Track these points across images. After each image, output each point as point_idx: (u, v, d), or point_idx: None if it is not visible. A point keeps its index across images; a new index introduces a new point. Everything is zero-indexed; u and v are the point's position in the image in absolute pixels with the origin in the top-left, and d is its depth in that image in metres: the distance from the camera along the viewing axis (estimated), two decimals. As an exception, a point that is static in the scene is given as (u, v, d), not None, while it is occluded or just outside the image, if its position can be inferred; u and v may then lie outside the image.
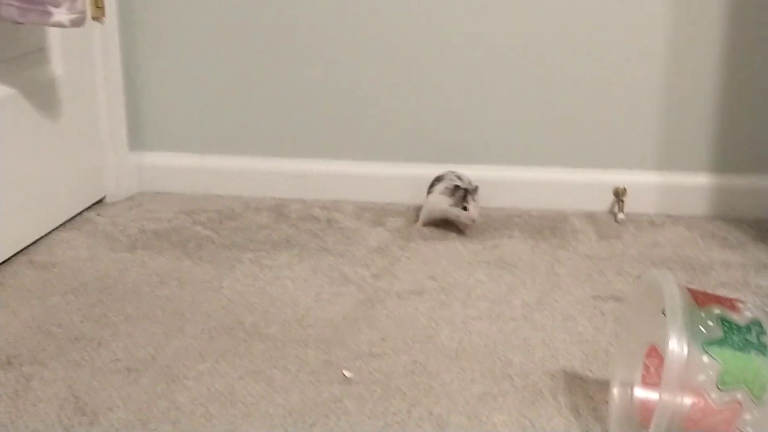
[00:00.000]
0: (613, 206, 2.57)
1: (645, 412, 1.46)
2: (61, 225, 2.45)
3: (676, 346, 1.28)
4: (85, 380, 1.67)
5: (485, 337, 1.85)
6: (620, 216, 2.50)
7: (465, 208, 2.34)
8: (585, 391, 1.64)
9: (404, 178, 2.64)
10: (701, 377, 1.29)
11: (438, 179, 2.43)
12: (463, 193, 2.35)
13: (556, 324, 1.91)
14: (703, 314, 1.33)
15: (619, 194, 2.53)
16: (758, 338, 1.31)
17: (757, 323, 1.33)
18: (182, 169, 2.75)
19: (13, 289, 2.07)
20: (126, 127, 2.71)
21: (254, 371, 1.71)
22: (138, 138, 2.75)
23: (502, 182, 2.60)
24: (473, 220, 2.35)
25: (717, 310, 1.33)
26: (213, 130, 2.73)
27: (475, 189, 2.38)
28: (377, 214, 2.58)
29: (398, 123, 2.63)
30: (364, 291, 2.07)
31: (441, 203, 2.39)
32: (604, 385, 1.60)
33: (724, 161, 2.51)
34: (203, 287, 2.08)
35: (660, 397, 1.28)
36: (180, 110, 2.72)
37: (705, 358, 1.29)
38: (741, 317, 1.33)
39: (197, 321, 1.91)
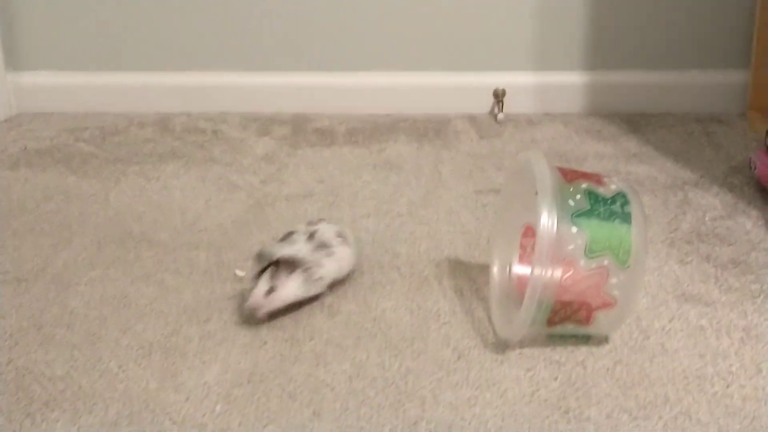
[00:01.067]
0: (493, 108, 2.64)
1: (523, 287, 1.54)
2: (-63, 147, 2.39)
3: (547, 220, 1.35)
4: (-27, 292, 1.66)
5: (373, 233, 1.90)
6: (500, 116, 2.58)
7: (271, 290, 1.54)
8: (468, 275, 1.72)
9: (287, 87, 2.66)
10: (570, 247, 1.37)
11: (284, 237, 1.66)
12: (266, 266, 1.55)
13: (440, 218, 1.98)
14: (571, 189, 1.40)
15: (498, 95, 2.60)
16: (622, 208, 1.40)
17: (621, 195, 1.42)
18: (62, 87, 2.70)
19: None
20: (0, 46, 2.63)
21: (145, 275, 1.73)
22: (14, 57, 2.68)
23: (386, 88, 2.64)
24: (254, 310, 1.55)
25: (584, 185, 1.41)
26: (92, 46, 2.67)
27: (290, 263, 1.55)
28: (263, 124, 2.59)
29: (276, 31, 2.63)
30: (253, 196, 2.10)
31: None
32: (485, 269, 1.68)
33: (596, 59, 2.61)
34: (89, 200, 2.07)
35: (532, 269, 1.36)
36: (57, 26, 2.66)
37: (574, 229, 1.37)
38: (607, 190, 1.42)
39: (85, 233, 1.91)
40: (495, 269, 1.62)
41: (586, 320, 1.42)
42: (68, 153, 2.38)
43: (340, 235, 1.65)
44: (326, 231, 1.64)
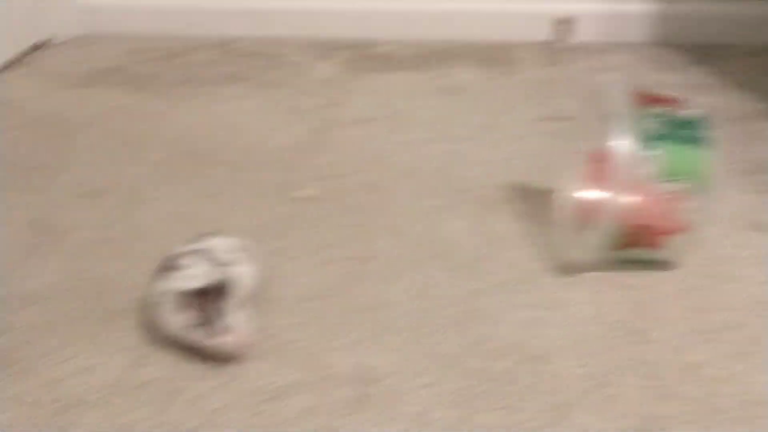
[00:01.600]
0: (558, 35, 2.60)
1: (591, 211, 1.53)
2: (4, 67, 2.42)
3: (622, 142, 1.34)
4: (47, 205, 1.70)
5: (437, 158, 1.90)
6: (565, 44, 2.55)
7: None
8: (533, 199, 1.71)
9: (350, 12, 2.64)
10: (644, 170, 1.36)
11: (169, 266, 1.32)
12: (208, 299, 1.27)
13: (505, 143, 1.97)
14: (647, 112, 1.39)
15: (564, 23, 2.56)
16: (698, 133, 1.38)
17: (697, 119, 1.40)
18: (128, 9, 2.71)
19: (-36, 126, 2.06)
20: (67, -33, 2.65)
21: (213, 193, 1.76)
22: (79, -22, 2.70)
23: (450, 14, 2.62)
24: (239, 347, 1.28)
25: (660, 108, 1.40)
26: (155, -32, 2.68)
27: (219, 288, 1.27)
28: (325, 49, 2.59)
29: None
30: (316, 120, 2.10)
31: (170, 324, 1.29)
32: (551, 194, 1.67)
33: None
34: (156, 119, 2.09)
35: (604, 193, 1.35)
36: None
37: (648, 153, 1.36)
38: (683, 114, 1.40)
39: (153, 150, 1.94)
40: (563, 194, 1.61)
41: (656, 244, 1.41)
42: (134, 73, 2.40)
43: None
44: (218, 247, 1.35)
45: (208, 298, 1.26)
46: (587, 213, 1.55)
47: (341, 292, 1.44)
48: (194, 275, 1.28)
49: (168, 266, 1.32)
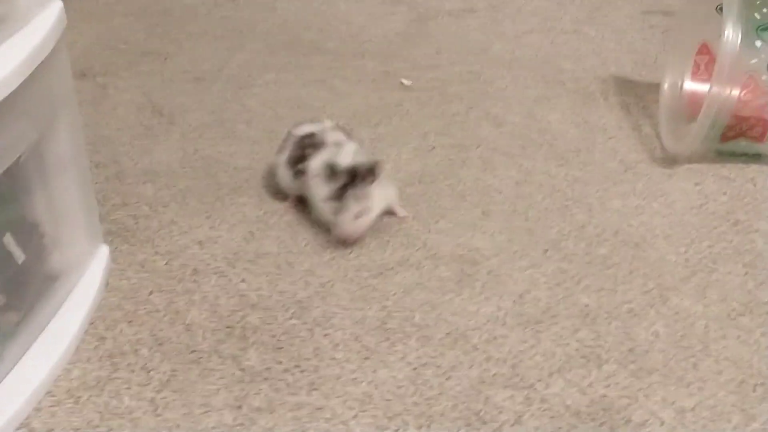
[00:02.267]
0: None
1: (693, 105, 1.53)
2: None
3: (731, 33, 1.32)
4: (158, 88, 1.76)
5: (537, 49, 1.90)
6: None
7: (361, 212, 1.31)
8: (635, 92, 1.71)
9: None
10: (753, 61, 1.35)
11: (306, 143, 1.39)
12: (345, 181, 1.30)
13: (606, 36, 1.95)
14: (758, 2, 1.37)
15: None
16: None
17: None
18: None
19: (75, 11, 2.12)
20: None
21: (317, 80, 1.79)
22: None
23: None
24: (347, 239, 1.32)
25: (772, -2, 1.37)
26: None
27: (370, 170, 1.30)
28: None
29: None
30: (416, 10, 2.11)
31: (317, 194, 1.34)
32: (653, 88, 1.67)
33: None
34: (258, 8, 2.12)
35: (711, 84, 1.35)
36: None
37: (758, 43, 1.35)
38: (795, 4, 1.37)
39: (257, 38, 1.97)
40: (666, 86, 1.61)
41: (761, 137, 1.41)
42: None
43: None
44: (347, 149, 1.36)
45: (356, 177, 1.29)
46: (692, 105, 1.54)
47: (444, 177, 1.48)
48: (348, 153, 1.33)
49: (312, 143, 1.37)
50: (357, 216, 1.29)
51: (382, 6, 2.13)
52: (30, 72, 0.99)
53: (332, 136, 1.37)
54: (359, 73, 1.82)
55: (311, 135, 1.38)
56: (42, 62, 1.03)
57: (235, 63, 1.86)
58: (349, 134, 1.41)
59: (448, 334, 1.16)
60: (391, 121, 1.65)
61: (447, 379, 1.09)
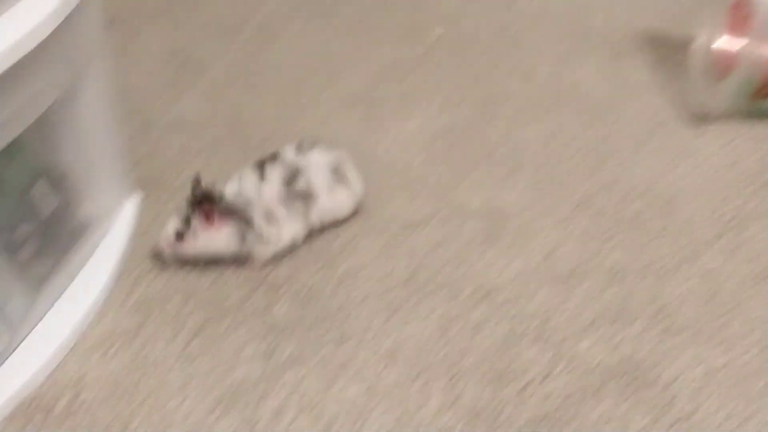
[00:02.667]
0: None
1: (725, 62, 1.50)
2: None
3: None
4: (185, 37, 1.75)
5: (568, 3, 1.87)
6: None
7: (181, 235, 1.18)
8: (666, 48, 1.68)
9: None
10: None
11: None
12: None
13: (638, -10, 1.92)
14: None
15: None
16: None
17: None
18: None
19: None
20: None
21: (345, 31, 1.78)
22: None
23: None
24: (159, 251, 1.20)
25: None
26: None
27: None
28: None
29: None
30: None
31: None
32: (684, 44, 1.63)
33: None
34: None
35: (745, 41, 1.33)
36: None
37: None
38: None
39: (284, -12, 1.96)
40: (698, 42, 1.58)
41: (796, 96, 1.38)
42: None
43: (335, 170, 1.25)
44: (317, 168, 1.23)
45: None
46: (725, 62, 1.52)
47: (473, 131, 1.47)
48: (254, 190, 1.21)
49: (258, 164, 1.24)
50: (177, 237, 1.17)
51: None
52: (64, 16, 0.99)
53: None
54: (387, 24, 1.80)
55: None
56: (76, 6, 1.02)
57: (262, 13, 1.84)
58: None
59: (475, 290, 1.16)
60: (418, 73, 1.63)
61: (475, 334, 1.09)
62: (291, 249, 1.21)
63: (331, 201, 1.24)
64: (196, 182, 1.16)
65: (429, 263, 1.20)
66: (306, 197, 1.21)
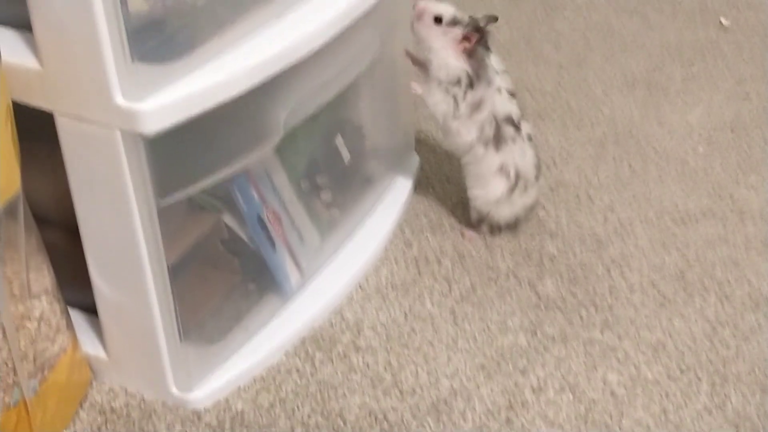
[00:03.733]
0: None
1: None
2: None
3: None
4: (470, 1, 1.77)
5: None
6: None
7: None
8: None
9: None
10: None
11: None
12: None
13: None
14: None
15: None
16: None
17: None
18: None
19: None
20: None
21: (629, 9, 1.75)
22: None
23: None
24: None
25: None
26: None
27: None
28: None
29: None
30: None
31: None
32: None
33: None
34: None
35: None
36: None
37: None
38: None
39: (570, -43, 1.94)
40: None
41: None
42: None
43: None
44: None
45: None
46: None
47: (758, 128, 1.42)
48: None
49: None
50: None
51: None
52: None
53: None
54: (674, 5, 1.76)
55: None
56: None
57: (548, -19, 1.85)
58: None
59: (749, 295, 1.14)
60: (705, 61, 1.59)
61: (745, 341, 1.07)
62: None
63: None
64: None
65: (702, 260, 1.19)
66: None
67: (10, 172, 0.81)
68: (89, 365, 1.00)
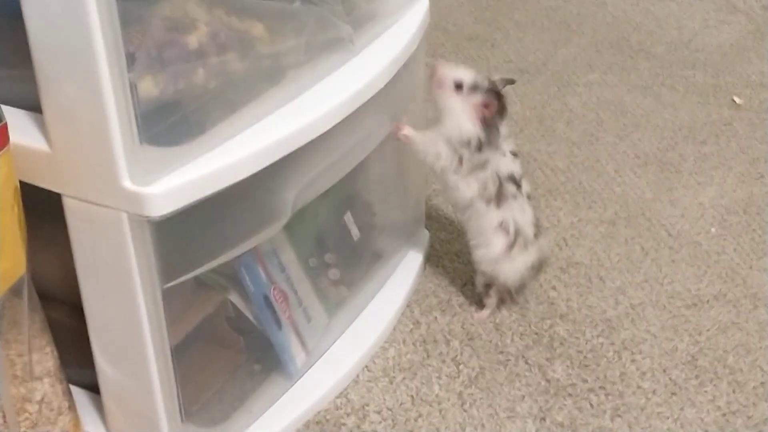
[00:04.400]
0: None
1: None
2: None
3: None
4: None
5: None
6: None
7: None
8: None
9: None
10: None
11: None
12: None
13: None
14: None
15: None
16: None
17: None
18: None
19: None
20: None
21: (642, 86, 1.75)
22: None
23: None
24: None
25: None
26: None
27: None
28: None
29: None
30: (755, 21, 2.00)
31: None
32: None
33: None
34: (588, 2, 2.10)
35: None
36: None
37: None
38: None
39: (584, 33, 1.96)
40: None
41: None
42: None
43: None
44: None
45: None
46: None
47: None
48: None
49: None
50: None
51: (718, 13, 2.04)
52: (395, 72, 1.05)
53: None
54: (687, 83, 1.76)
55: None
56: (405, 61, 1.08)
57: (560, 58, 1.86)
58: None
59: (762, 383, 1.12)
60: (718, 140, 1.59)
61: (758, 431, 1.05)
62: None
63: None
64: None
65: (714, 346, 1.17)
66: None
67: (16, 256, 0.81)
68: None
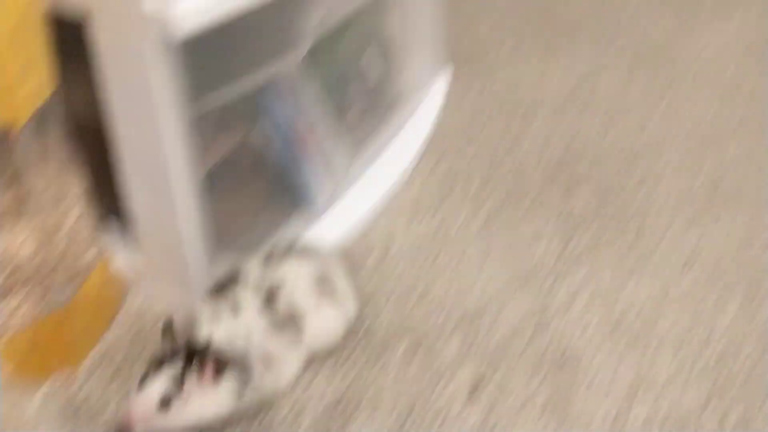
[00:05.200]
0: None
1: None
2: None
3: None
4: None
5: None
6: None
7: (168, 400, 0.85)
8: None
9: None
10: None
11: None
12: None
13: None
14: None
15: None
16: None
17: None
18: None
19: None
20: None
21: None
22: None
23: None
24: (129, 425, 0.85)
25: None
26: None
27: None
28: None
29: None
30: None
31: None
32: None
33: None
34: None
35: None
36: None
37: None
38: None
39: None
40: None
41: None
42: None
43: (320, 281, 0.96)
44: (297, 283, 0.94)
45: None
46: None
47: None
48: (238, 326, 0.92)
49: (219, 288, 0.94)
50: (161, 405, 0.85)
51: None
52: None
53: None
54: None
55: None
56: None
57: None
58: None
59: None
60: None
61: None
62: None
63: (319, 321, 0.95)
64: (168, 327, 0.86)
65: (734, 174, 1.17)
66: (293, 319, 0.93)
67: (43, 79, 0.81)
68: (120, 281, 1.00)
